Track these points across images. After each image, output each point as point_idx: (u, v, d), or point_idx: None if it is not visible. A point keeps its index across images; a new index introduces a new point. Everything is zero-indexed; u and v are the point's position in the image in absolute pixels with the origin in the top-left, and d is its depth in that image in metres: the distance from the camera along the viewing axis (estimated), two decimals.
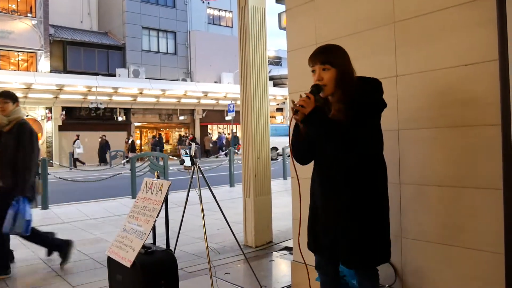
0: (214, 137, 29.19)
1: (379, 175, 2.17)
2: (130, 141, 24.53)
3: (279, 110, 31.39)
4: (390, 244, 2.22)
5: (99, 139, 23.58)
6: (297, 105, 2.01)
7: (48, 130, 22.84)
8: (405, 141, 2.73)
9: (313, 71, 2.11)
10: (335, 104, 2.07)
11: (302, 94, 2.08)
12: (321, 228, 2.22)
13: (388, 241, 2.21)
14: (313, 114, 1.99)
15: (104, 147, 23.36)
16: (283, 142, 15.44)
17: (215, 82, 28.81)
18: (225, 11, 32.23)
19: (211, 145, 27.72)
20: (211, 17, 31.74)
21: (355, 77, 2.12)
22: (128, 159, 22.65)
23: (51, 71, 23.52)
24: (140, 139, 28.92)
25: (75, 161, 21.72)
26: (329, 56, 2.08)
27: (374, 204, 2.12)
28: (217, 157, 21.12)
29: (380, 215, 2.15)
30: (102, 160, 23.14)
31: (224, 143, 27.19)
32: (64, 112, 23.04)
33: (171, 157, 17.26)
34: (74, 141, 22.27)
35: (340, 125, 1.99)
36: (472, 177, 2.39)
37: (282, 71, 29.19)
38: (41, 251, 4.99)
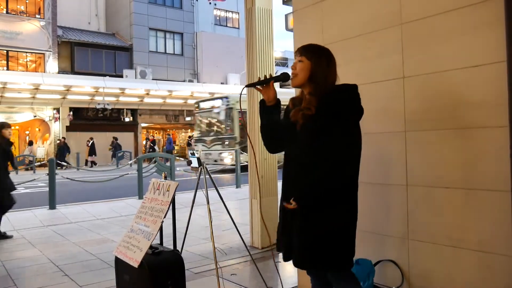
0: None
1: (341, 178, 2.02)
2: (90, 143, 23.12)
3: None
4: (350, 250, 2.09)
5: (58, 141, 22.05)
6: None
7: (55, 130, 23.00)
8: (412, 143, 2.72)
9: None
10: (306, 97, 2.11)
11: (260, 77, 2.22)
12: (280, 226, 2.24)
13: (347, 247, 2.08)
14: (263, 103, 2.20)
15: (62, 149, 21.67)
16: None
17: (222, 83, 28.85)
18: (232, 12, 32.26)
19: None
20: (218, 18, 31.78)
21: (333, 83, 2.11)
22: (87, 163, 21.67)
23: (59, 72, 23.69)
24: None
25: None
26: (308, 50, 2.16)
27: (331, 206, 2.03)
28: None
29: (337, 219, 2.03)
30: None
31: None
32: (71, 113, 23.18)
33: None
34: None
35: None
36: (480, 179, 2.38)
37: (288, 72, 29.08)
38: (49, 250, 5.04)
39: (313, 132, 2.02)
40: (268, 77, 2.20)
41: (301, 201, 2.03)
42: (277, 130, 2.23)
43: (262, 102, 2.25)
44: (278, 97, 2.25)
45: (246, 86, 2.24)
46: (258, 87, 2.21)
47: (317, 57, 2.12)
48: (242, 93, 2.37)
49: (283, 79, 2.20)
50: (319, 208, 2.02)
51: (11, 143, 6.04)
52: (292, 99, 2.26)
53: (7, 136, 5.92)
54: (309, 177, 2.01)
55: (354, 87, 2.08)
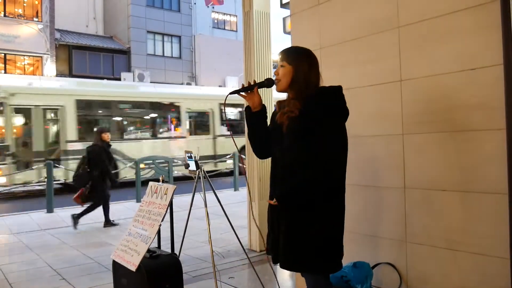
0: None
1: (327, 179, 1.99)
2: None
3: None
4: (338, 253, 2.07)
5: None
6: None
7: None
8: (410, 146, 2.73)
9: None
10: (290, 101, 2.11)
11: (250, 81, 2.21)
12: (268, 229, 2.23)
13: (335, 249, 2.06)
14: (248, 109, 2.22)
15: None
16: None
17: (220, 86, 28.84)
18: (230, 15, 32.30)
19: None
20: (216, 21, 31.80)
21: (316, 85, 2.12)
22: None
23: (56, 75, 23.62)
24: None
25: None
26: (288, 55, 2.16)
27: (318, 207, 2.01)
28: None
29: (324, 220, 2.01)
30: None
31: None
32: None
33: None
34: None
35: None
36: (477, 182, 2.38)
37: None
38: (46, 254, 5.02)
39: (299, 133, 2.02)
40: (252, 83, 2.19)
41: (285, 201, 2.04)
42: (263, 136, 2.23)
43: (247, 109, 2.24)
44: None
45: (230, 93, 2.22)
46: (243, 93, 2.20)
47: (298, 61, 2.12)
48: (227, 99, 2.32)
49: (268, 85, 2.19)
50: (306, 209, 2.02)
51: (110, 145, 7.06)
52: (279, 102, 2.25)
53: (106, 140, 6.92)
54: (295, 178, 2.01)
55: (339, 88, 2.07)
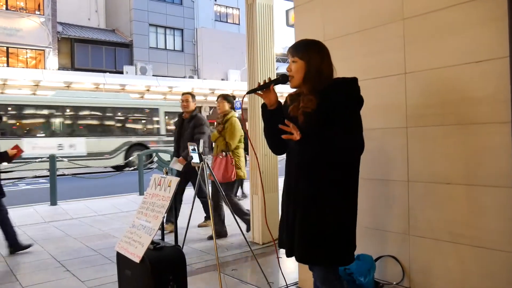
0: None
1: (343, 173, 2.05)
2: None
3: None
4: (351, 244, 2.10)
5: None
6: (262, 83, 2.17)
7: None
8: (414, 139, 2.72)
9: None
10: (305, 96, 2.09)
11: (254, 79, 2.17)
12: (281, 222, 2.24)
13: (348, 240, 2.08)
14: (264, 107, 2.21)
15: None
16: None
17: (222, 79, 28.81)
18: (232, 8, 32.19)
19: None
20: (218, 14, 31.71)
21: (330, 76, 2.11)
22: None
23: (59, 69, 23.65)
24: None
25: None
26: (298, 49, 2.14)
27: (332, 201, 2.04)
28: None
29: (338, 212, 2.05)
30: None
31: None
32: None
33: None
34: None
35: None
36: (481, 175, 2.38)
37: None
38: (50, 246, 5.05)
39: (315, 126, 2.02)
40: (267, 81, 2.18)
41: (303, 196, 2.05)
42: (279, 133, 2.23)
43: (264, 107, 2.24)
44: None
45: (247, 93, 2.24)
46: (259, 92, 2.19)
47: (310, 55, 2.10)
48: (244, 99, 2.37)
49: (283, 81, 2.18)
50: (321, 202, 2.03)
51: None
52: (290, 95, 2.25)
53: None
54: (311, 171, 2.03)
55: (354, 80, 2.07)
